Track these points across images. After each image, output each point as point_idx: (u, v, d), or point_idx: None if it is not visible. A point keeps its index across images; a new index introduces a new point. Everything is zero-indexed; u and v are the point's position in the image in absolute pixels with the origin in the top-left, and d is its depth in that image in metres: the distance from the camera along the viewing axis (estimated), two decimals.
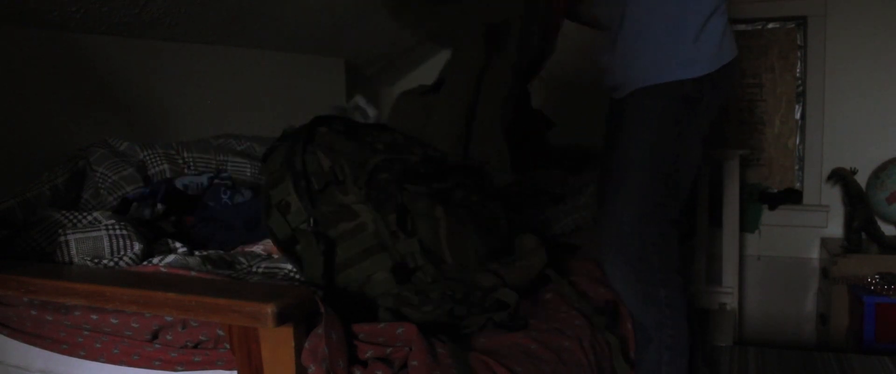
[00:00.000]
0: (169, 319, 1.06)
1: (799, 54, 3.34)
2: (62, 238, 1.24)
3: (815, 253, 3.29)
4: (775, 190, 3.41)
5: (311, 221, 1.14)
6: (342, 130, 1.25)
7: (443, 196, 1.23)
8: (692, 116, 1.58)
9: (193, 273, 1.14)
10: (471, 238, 1.23)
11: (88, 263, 1.21)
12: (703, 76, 1.55)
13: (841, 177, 3.08)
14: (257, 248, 1.40)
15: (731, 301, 3.07)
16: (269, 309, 0.88)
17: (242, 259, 1.29)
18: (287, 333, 0.94)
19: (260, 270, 1.21)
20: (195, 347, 1.07)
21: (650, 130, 1.57)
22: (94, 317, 1.12)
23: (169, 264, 1.18)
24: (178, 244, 1.30)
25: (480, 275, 1.20)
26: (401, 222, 1.15)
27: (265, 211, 1.17)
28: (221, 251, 1.32)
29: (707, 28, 1.54)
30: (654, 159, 1.57)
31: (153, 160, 1.65)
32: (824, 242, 3.18)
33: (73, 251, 1.23)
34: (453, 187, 1.28)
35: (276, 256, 1.31)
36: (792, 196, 3.35)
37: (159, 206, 1.45)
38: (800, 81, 3.35)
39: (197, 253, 1.26)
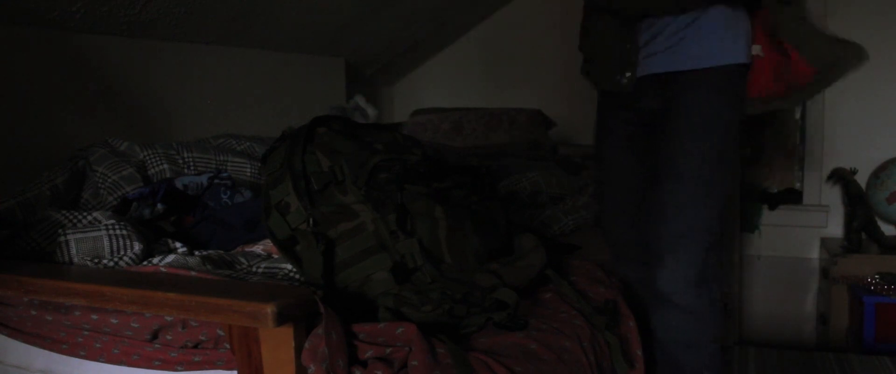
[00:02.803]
0: (169, 319, 1.06)
1: None
2: (62, 238, 1.24)
3: (815, 253, 3.29)
4: (775, 190, 3.41)
5: (311, 221, 1.14)
6: (341, 130, 1.25)
7: (442, 196, 1.23)
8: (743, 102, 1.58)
9: (193, 273, 1.14)
10: (470, 238, 1.23)
11: (88, 263, 1.21)
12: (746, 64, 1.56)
13: (841, 177, 3.08)
14: (257, 248, 1.40)
15: (731, 301, 3.07)
16: (269, 309, 0.88)
17: (242, 259, 1.29)
18: (287, 333, 0.94)
19: (260, 270, 1.21)
20: (195, 347, 1.07)
21: (720, 119, 1.52)
22: (94, 317, 1.12)
23: (169, 264, 1.18)
24: (178, 244, 1.30)
25: (480, 275, 1.20)
26: (400, 222, 1.15)
27: (265, 212, 1.17)
28: (221, 251, 1.32)
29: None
30: (727, 149, 1.53)
31: (153, 160, 1.65)
32: (824, 242, 3.18)
33: (73, 251, 1.23)
34: (452, 186, 1.28)
35: (275, 256, 1.31)
36: (792, 196, 3.35)
37: (159, 206, 1.45)
38: None
39: (197, 253, 1.26)
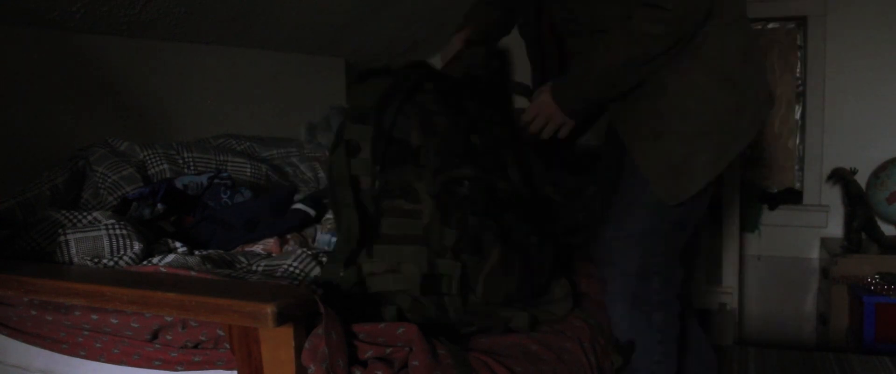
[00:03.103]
0: (169, 319, 1.06)
1: (799, 54, 3.34)
2: (62, 238, 1.24)
3: (815, 253, 3.29)
4: (775, 190, 3.41)
5: (376, 183, 1.08)
6: (447, 99, 1.17)
7: (505, 234, 1.17)
8: None
9: (193, 273, 1.14)
10: (510, 284, 1.19)
11: (88, 263, 1.21)
12: None
13: (841, 177, 3.08)
14: (257, 248, 1.40)
15: (731, 301, 3.07)
16: (269, 309, 0.88)
17: (242, 259, 1.29)
18: (287, 333, 0.94)
19: (259, 269, 1.21)
20: (195, 347, 1.07)
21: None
22: (94, 317, 1.12)
23: (169, 264, 1.18)
24: (178, 244, 1.30)
25: (503, 310, 1.19)
26: (456, 247, 1.11)
27: (336, 139, 1.10)
28: (221, 251, 1.32)
29: None
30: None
31: (153, 160, 1.65)
32: (824, 242, 3.18)
33: (73, 251, 1.23)
34: (520, 220, 1.22)
35: (275, 255, 1.31)
36: (792, 196, 3.35)
37: (159, 206, 1.45)
38: (800, 82, 3.35)
39: (197, 253, 1.26)
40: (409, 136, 1.11)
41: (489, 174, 1.18)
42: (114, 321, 1.10)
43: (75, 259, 1.23)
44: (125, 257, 1.21)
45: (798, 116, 3.37)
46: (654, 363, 1.53)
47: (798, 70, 3.35)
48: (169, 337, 1.07)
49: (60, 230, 1.25)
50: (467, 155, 1.15)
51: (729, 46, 1.44)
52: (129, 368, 1.10)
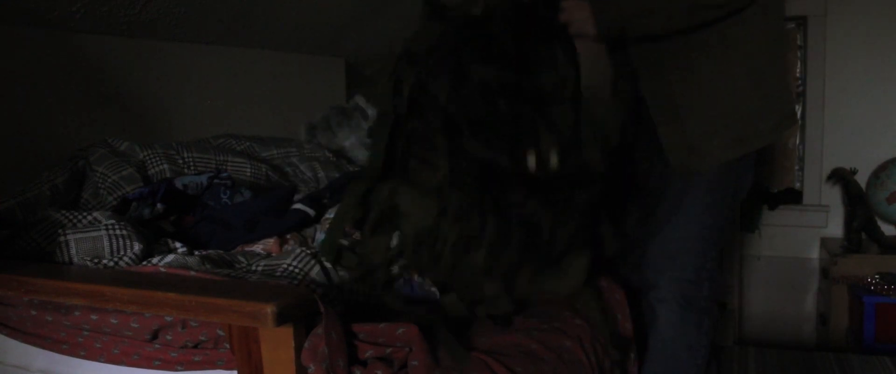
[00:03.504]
0: (169, 319, 1.06)
1: (799, 54, 3.35)
2: (62, 238, 1.24)
3: (815, 253, 3.29)
4: (775, 190, 3.41)
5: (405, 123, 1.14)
6: (489, 56, 1.20)
7: (504, 210, 1.19)
8: None
9: (193, 273, 1.14)
10: (509, 256, 1.20)
11: (88, 263, 1.21)
12: None
13: (841, 177, 3.08)
14: (257, 248, 1.40)
15: (731, 301, 3.07)
16: (269, 309, 0.88)
17: (242, 258, 1.29)
18: (287, 333, 0.94)
19: (259, 268, 1.21)
20: (195, 347, 1.07)
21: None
22: (94, 317, 1.12)
23: (168, 264, 1.18)
24: (177, 244, 1.30)
25: (488, 284, 1.20)
26: (458, 211, 1.15)
27: (389, 73, 1.15)
28: (221, 251, 1.32)
29: None
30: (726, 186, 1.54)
31: (153, 160, 1.65)
32: (824, 242, 3.17)
33: (73, 251, 1.23)
34: (526, 198, 1.22)
35: (274, 254, 1.31)
36: (792, 196, 3.35)
37: (159, 206, 1.45)
38: (800, 82, 3.35)
39: (197, 253, 1.26)
40: (440, 93, 1.15)
41: (500, 151, 1.19)
42: (114, 321, 1.10)
43: (75, 259, 1.23)
44: (125, 258, 1.21)
45: (798, 116, 3.37)
46: (695, 366, 1.57)
47: (798, 70, 3.35)
48: (169, 337, 1.07)
49: (60, 230, 1.25)
50: (485, 124, 1.17)
51: (762, 46, 1.47)
52: (129, 368, 1.10)
